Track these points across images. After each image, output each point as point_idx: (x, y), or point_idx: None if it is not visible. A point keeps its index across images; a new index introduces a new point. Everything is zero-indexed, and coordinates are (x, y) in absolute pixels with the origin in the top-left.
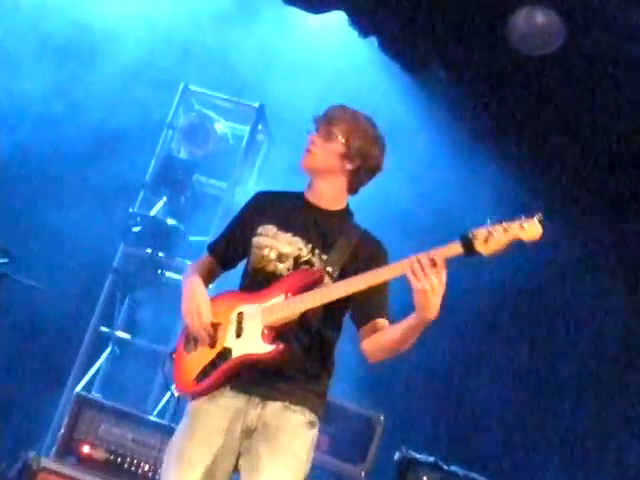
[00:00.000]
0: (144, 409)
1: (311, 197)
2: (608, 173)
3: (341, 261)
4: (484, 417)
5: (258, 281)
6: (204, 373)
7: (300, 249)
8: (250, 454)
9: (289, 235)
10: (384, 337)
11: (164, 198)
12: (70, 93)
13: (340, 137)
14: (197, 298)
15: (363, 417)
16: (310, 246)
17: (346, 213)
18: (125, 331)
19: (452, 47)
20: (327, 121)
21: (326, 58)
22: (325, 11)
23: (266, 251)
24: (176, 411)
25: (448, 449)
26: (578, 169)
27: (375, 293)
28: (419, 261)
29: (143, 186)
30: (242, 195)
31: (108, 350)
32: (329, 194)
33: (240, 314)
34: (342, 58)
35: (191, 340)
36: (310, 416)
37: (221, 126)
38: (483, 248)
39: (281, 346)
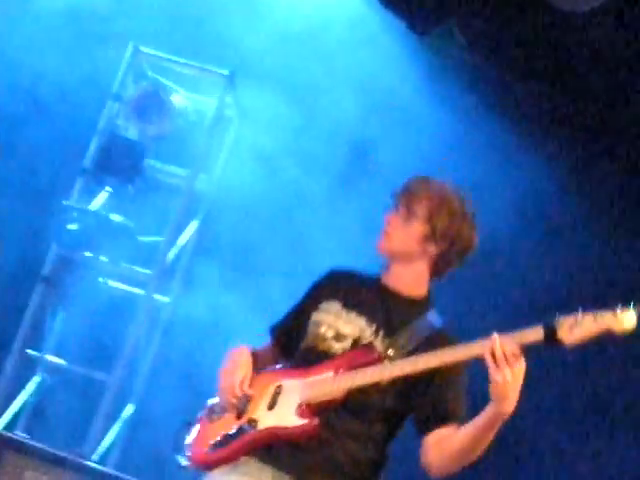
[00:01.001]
0: (81, 452)
1: (387, 280)
2: None
3: (407, 350)
4: None
5: (308, 360)
6: (222, 442)
7: (362, 330)
8: None
9: (353, 314)
10: (451, 442)
11: (107, 188)
12: None
13: (422, 217)
14: (238, 361)
15: None
16: (374, 327)
17: (426, 302)
18: (57, 355)
19: (471, 3)
20: (407, 197)
21: (313, 14)
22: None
23: (323, 329)
24: (125, 455)
25: None
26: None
27: (445, 388)
28: (502, 346)
29: (81, 173)
30: (206, 184)
31: (36, 378)
32: (407, 279)
33: (278, 387)
34: (333, 14)
35: (217, 408)
36: None
37: (180, 98)
38: (566, 336)
39: (316, 421)
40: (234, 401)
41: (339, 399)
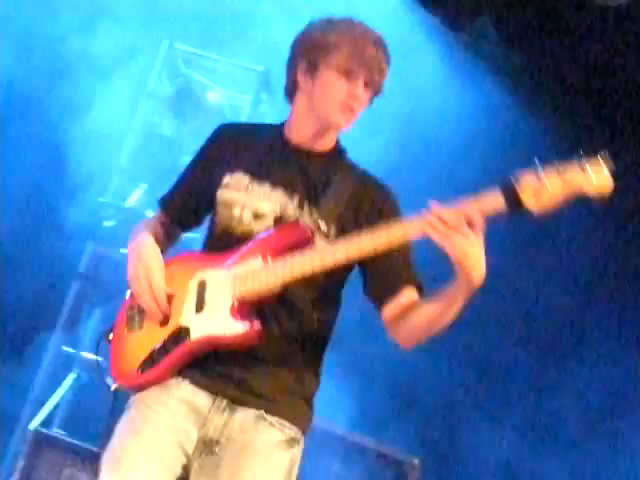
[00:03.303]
0: None
1: (292, 133)
2: None
3: (336, 214)
4: None
5: (226, 245)
6: (151, 360)
7: (283, 204)
8: (206, 476)
9: (267, 187)
10: (417, 314)
11: (143, 185)
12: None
13: (382, 82)
14: (147, 259)
15: (392, 461)
16: (296, 199)
17: (338, 149)
18: (93, 352)
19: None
20: (377, 74)
21: (347, 11)
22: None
23: (237, 210)
24: None
25: None
26: None
27: (393, 255)
28: (441, 215)
29: (117, 170)
30: None
31: (72, 376)
32: (327, 138)
33: (202, 282)
34: (367, 10)
35: (135, 315)
36: (291, 431)
37: (215, 95)
38: (531, 202)
39: (257, 325)
40: (154, 306)
41: (275, 292)
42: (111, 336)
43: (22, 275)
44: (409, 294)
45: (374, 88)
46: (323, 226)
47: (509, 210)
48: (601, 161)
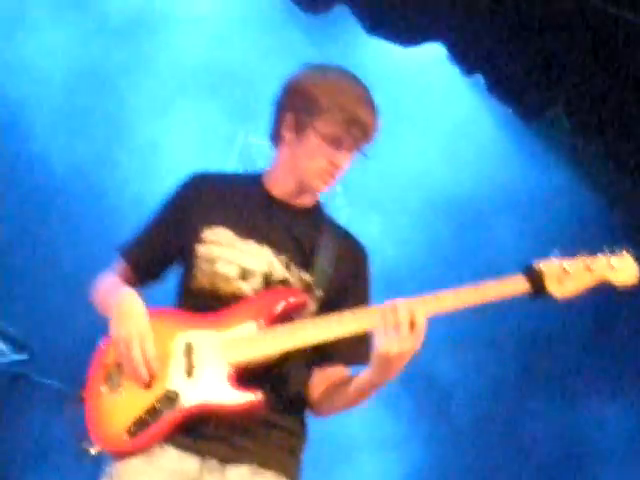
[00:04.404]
0: None
1: (273, 185)
2: None
3: (327, 278)
4: None
5: (208, 303)
6: (140, 424)
7: (271, 263)
8: None
9: (252, 244)
10: (338, 395)
11: None
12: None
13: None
14: (139, 323)
15: None
16: (284, 259)
17: (320, 206)
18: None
19: (580, 88)
20: (364, 139)
21: (423, 102)
22: (419, 44)
23: (221, 266)
24: None
25: None
26: None
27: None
28: (396, 312)
29: None
30: None
31: None
32: (311, 195)
33: (188, 344)
34: (441, 102)
35: (113, 373)
36: None
37: None
38: (556, 288)
39: (259, 395)
40: (143, 372)
41: (271, 361)
42: (83, 396)
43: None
44: (340, 370)
45: (360, 149)
46: (318, 291)
47: (532, 294)
48: (627, 255)
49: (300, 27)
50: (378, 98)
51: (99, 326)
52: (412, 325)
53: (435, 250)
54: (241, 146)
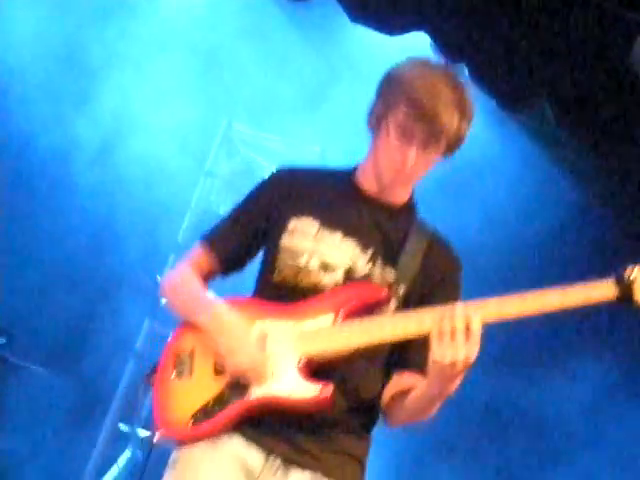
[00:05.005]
0: None
1: (363, 180)
2: None
3: (411, 276)
4: None
5: (288, 295)
6: (206, 412)
7: (355, 258)
8: None
9: (338, 236)
10: (402, 405)
11: None
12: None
13: (445, 143)
14: (252, 352)
15: None
16: (369, 253)
17: (412, 203)
18: (149, 429)
19: (564, 79)
20: (430, 125)
21: None
22: (403, 32)
23: (304, 259)
24: None
25: None
26: None
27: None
28: (454, 319)
29: (174, 248)
30: None
31: (127, 453)
32: (399, 190)
33: (263, 334)
34: None
35: (185, 360)
36: None
37: None
38: None
39: (331, 388)
40: (254, 375)
41: (344, 358)
42: (152, 380)
43: (81, 352)
44: (416, 377)
45: (438, 148)
46: (402, 288)
47: (618, 302)
48: None
49: (284, 13)
50: (361, 86)
51: (78, 309)
52: (467, 332)
53: None
54: (223, 132)
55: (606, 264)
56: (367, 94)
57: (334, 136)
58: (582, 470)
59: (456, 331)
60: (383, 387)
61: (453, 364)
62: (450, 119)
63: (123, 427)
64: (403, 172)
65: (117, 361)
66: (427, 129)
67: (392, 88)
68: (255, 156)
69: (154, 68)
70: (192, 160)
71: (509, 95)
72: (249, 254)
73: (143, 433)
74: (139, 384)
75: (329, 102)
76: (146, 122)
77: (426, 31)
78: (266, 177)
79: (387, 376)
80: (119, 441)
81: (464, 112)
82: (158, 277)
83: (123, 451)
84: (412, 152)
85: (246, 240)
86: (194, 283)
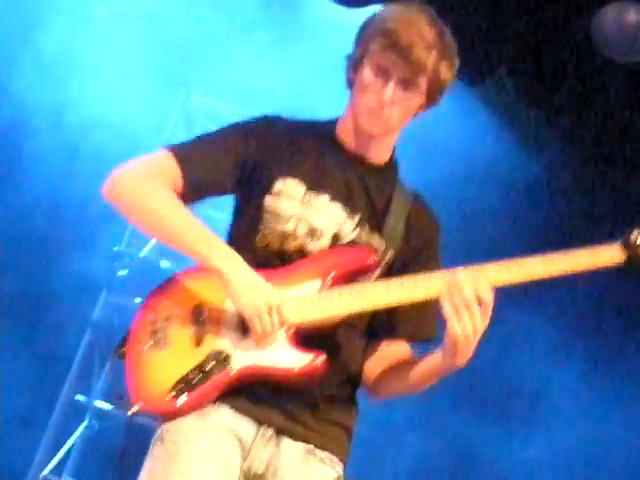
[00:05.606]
0: None
1: (344, 136)
2: None
3: (397, 240)
4: None
5: (271, 259)
6: (186, 385)
7: (341, 223)
8: None
9: (324, 199)
10: (397, 378)
11: None
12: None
13: (424, 84)
14: (269, 290)
15: None
16: (356, 219)
17: (394, 162)
18: (106, 400)
19: (522, 51)
20: (406, 59)
21: None
22: (360, 6)
23: (291, 225)
24: None
25: None
26: None
27: (424, 305)
28: (463, 286)
29: None
30: None
31: (84, 424)
32: (382, 146)
33: None
34: None
35: (160, 330)
36: (339, 467)
37: None
38: None
39: (322, 357)
40: (268, 334)
41: (332, 327)
42: (124, 350)
43: (35, 322)
44: (405, 347)
45: (416, 88)
46: (389, 254)
47: (624, 266)
48: None
49: None
50: (322, 58)
51: (33, 278)
52: (479, 302)
53: None
54: (181, 103)
55: (564, 233)
56: (325, 61)
57: (294, 103)
58: None
59: (469, 302)
60: (362, 342)
61: (465, 337)
62: (427, 55)
63: (80, 397)
64: (380, 113)
65: (75, 331)
66: (403, 64)
67: (368, 28)
68: (213, 127)
69: (110, 41)
70: (150, 132)
71: (470, 68)
72: (215, 189)
73: (100, 404)
74: (96, 355)
75: (288, 70)
76: (102, 93)
77: (383, 4)
78: (255, 117)
79: (367, 344)
80: (76, 413)
81: (443, 52)
82: (115, 248)
83: (80, 423)
84: (389, 89)
85: (220, 174)
86: (182, 206)
